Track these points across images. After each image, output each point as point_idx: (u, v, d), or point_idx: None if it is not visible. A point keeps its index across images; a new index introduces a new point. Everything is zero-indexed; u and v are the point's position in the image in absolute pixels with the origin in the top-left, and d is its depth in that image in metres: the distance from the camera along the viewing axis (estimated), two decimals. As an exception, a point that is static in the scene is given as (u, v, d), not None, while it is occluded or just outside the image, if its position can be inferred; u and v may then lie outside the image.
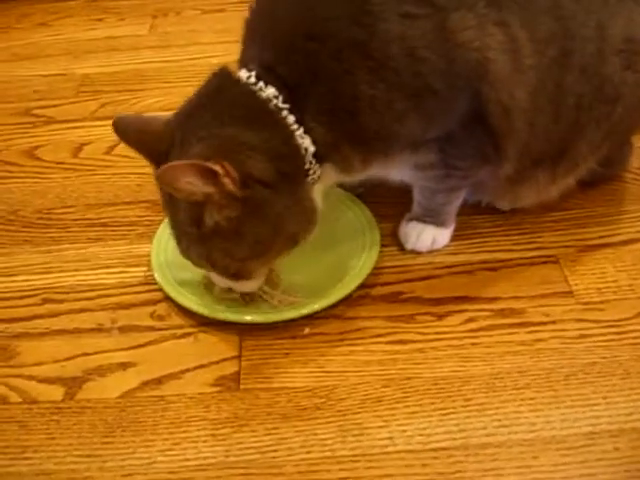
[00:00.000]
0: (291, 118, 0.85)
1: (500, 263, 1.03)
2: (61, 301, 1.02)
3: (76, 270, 1.06)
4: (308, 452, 0.83)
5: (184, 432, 0.85)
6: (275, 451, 0.83)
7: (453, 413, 0.85)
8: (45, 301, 1.02)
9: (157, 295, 1.01)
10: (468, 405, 0.86)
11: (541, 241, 1.05)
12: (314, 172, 0.89)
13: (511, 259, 1.03)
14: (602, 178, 1.11)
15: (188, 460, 0.83)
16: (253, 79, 0.86)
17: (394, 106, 0.86)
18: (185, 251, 0.91)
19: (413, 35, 0.84)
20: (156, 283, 1.01)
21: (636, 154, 1.17)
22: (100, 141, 1.29)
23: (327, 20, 0.85)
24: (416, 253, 1.04)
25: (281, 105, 0.85)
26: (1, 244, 1.11)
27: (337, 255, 1.02)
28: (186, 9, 1.73)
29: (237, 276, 0.92)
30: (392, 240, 1.06)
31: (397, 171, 0.99)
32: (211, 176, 0.81)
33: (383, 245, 1.04)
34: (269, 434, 0.85)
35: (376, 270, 1.01)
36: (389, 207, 1.08)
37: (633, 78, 0.95)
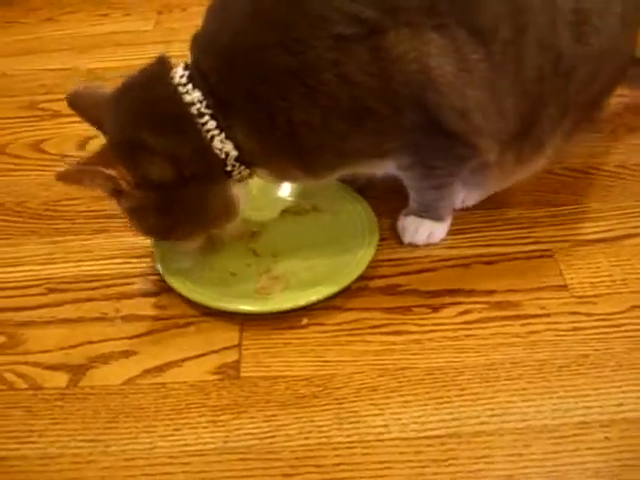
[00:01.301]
0: (212, 123, 0.88)
1: (496, 257, 1.04)
2: (65, 291, 1.04)
3: (80, 261, 1.08)
4: (305, 438, 0.84)
5: (184, 418, 0.87)
6: (273, 437, 0.85)
7: (447, 402, 0.87)
8: (50, 291, 1.04)
9: (159, 285, 1.03)
10: (462, 395, 0.88)
11: (537, 236, 1.07)
12: (239, 172, 0.92)
13: (507, 253, 1.05)
14: None
15: (188, 445, 0.85)
16: (184, 80, 0.88)
17: (333, 128, 0.87)
18: None
19: (346, 59, 0.83)
20: (158, 274, 1.02)
21: (634, 151, 1.19)
22: (105, 135, 1.31)
23: (261, 46, 0.85)
24: (413, 246, 1.06)
25: (203, 110, 0.87)
26: (8, 235, 1.14)
27: (336, 248, 1.03)
28: (192, 5, 1.74)
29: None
30: (390, 234, 1.08)
31: (379, 170, 1.00)
32: (108, 178, 0.87)
33: (381, 238, 1.05)
34: (267, 421, 0.86)
35: (374, 263, 1.02)
36: (388, 201, 1.09)
37: (582, 51, 0.92)
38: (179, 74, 0.89)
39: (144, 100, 0.91)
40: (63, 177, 0.88)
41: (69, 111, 1.38)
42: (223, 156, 0.90)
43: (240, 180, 0.94)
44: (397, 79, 0.85)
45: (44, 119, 1.39)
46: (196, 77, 0.88)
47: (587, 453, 0.82)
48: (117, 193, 0.92)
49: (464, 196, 1.09)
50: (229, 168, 0.91)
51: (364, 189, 1.11)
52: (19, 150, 1.32)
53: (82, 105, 0.96)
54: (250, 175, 0.94)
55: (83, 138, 1.32)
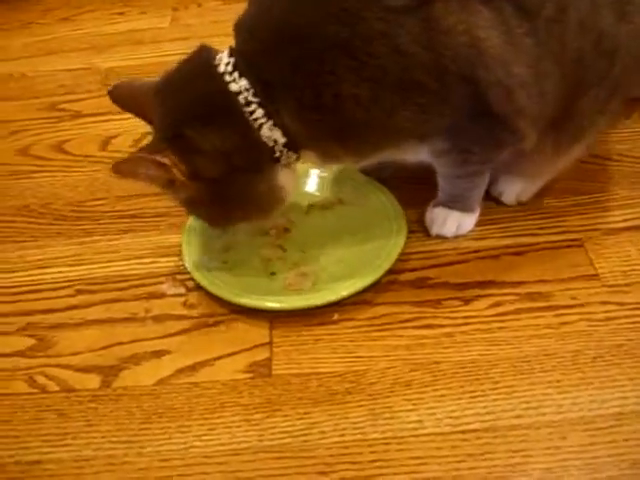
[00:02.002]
0: (259, 112, 0.87)
1: (525, 247, 1.03)
2: (95, 292, 1.04)
3: (108, 261, 1.08)
4: (340, 435, 0.84)
5: (218, 417, 0.87)
6: (307, 435, 0.85)
7: (481, 396, 0.86)
8: (79, 292, 1.04)
9: (188, 284, 1.02)
10: (496, 388, 0.87)
11: (566, 225, 1.06)
12: (287, 158, 0.92)
13: (536, 243, 1.04)
14: None
15: (223, 445, 0.84)
16: (230, 67, 0.87)
17: (380, 102, 0.86)
18: None
19: (396, 31, 0.83)
20: (187, 272, 1.02)
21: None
22: (127, 134, 1.31)
23: (309, 20, 0.85)
24: (442, 238, 1.05)
25: (251, 98, 0.86)
26: (34, 237, 1.13)
27: (364, 241, 1.03)
28: (207, 0, 1.75)
29: None
30: (418, 226, 1.07)
31: (412, 155, 0.99)
32: (162, 167, 0.87)
33: (410, 231, 1.04)
34: (301, 418, 0.86)
35: (403, 256, 1.01)
36: (415, 193, 1.09)
37: (627, 29, 0.91)
38: (224, 62, 0.88)
39: (189, 94, 0.90)
40: (118, 169, 0.87)
41: (89, 111, 1.40)
42: (271, 144, 0.89)
43: (287, 165, 0.93)
44: (447, 53, 0.84)
45: (65, 120, 1.39)
46: (241, 64, 0.87)
47: (624, 445, 0.81)
48: (171, 184, 0.91)
49: (519, 190, 1.08)
50: (277, 154, 0.90)
51: (388, 181, 1.10)
52: (42, 151, 1.32)
53: (122, 98, 0.96)
54: (297, 159, 0.93)
55: (105, 138, 1.32)
